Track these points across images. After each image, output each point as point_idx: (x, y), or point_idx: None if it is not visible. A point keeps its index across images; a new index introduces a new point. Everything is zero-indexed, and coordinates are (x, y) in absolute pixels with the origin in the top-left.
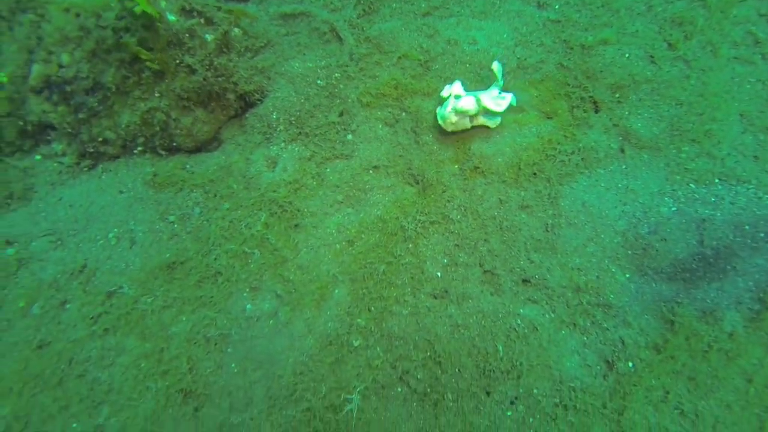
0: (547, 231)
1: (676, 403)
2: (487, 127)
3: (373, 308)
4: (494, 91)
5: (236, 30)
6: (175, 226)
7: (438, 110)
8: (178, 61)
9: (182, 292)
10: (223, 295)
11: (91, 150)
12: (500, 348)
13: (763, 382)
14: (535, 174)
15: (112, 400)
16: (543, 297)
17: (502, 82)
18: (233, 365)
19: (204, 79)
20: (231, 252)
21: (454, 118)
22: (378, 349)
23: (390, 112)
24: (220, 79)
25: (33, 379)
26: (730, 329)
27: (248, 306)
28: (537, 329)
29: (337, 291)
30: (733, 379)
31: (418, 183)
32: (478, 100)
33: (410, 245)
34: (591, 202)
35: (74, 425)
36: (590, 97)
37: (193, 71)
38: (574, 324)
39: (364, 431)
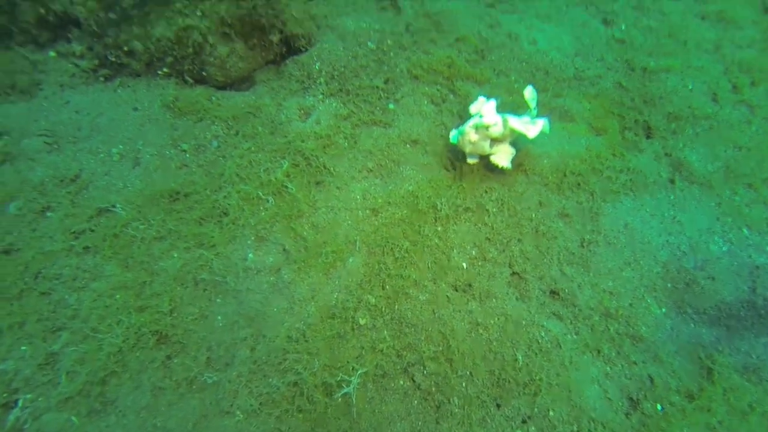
0: (583, 246)
1: None
2: (498, 167)
3: (388, 287)
4: (526, 119)
5: None
6: (187, 155)
7: (459, 128)
8: None
9: (180, 226)
10: (224, 238)
11: (113, 59)
12: (520, 357)
13: None
14: (579, 185)
15: (74, 327)
16: (569, 314)
17: (535, 111)
18: (219, 317)
19: (253, 8)
20: (243, 193)
21: (473, 136)
22: (385, 332)
23: (438, 90)
24: (270, 11)
25: None
26: None
27: (250, 255)
28: (560, 346)
29: (351, 260)
30: None
31: (455, 168)
32: (505, 120)
33: (439, 228)
34: (634, 226)
35: (23, 347)
36: (645, 121)
37: None
38: (598, 350)
39: (352, 421)
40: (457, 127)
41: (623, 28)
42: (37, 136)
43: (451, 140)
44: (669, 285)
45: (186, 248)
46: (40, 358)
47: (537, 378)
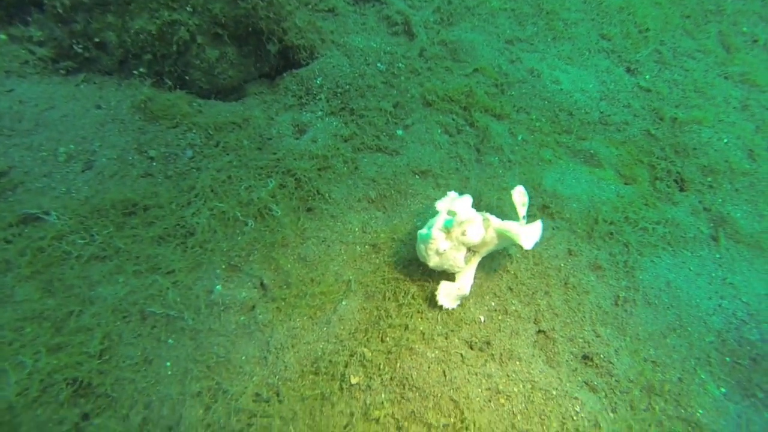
0: (617, 305)
1: None
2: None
3: (388, 339)
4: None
5: None
6: (154, 163)
7: (421, 230)
8: None
9: (132, 245)
10: (188, 263)
11: (80, 50)
12: None
13: None
14: (611, 234)
15: None
16: (604, 386)
17: (525, 220)
18: (169, 363)
19: (253, 8)
20: (217, 211)
21: (441, 244)
22: (383, 395)
23: (453, 120)
24: (271, 15)
25: None
26: None
27: (218, 287)
28: (600, 426)
29: (344, 303)
30: None
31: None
32: (486, 220)
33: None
34: (677, 285)
35: None
36: (677, 172)
37: None
38: None
39: None
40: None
41: (647, 77)
42: None
43: (418, 246)
44: (728, 359)
45: (136, 272)
46: None
47: None
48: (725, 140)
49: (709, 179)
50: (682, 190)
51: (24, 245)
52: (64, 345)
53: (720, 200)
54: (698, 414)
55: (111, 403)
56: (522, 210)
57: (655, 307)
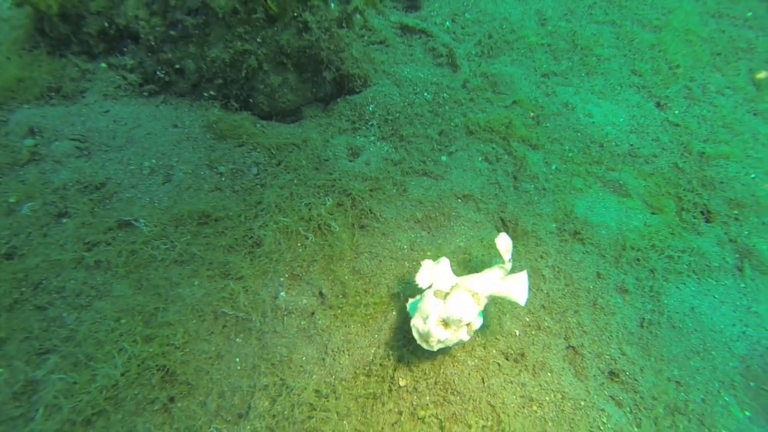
0: (642, 326)
1: None
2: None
3: None
4: (497, 271)
5: (358, 15)
6: (223, 178)
7: (414, 320)
8: (295, 14)
9: (206, 252)
10: (255, 271)
11: (162, 75)
12: None
13: None
14: (638, 260)
15: (66, 351)
16: (630, 401)
17: (510, 263)
18: (238, 359)
19: (316, 40)
20: (282, 225)
21: (441, 336)
22: (428, 397)
23: (493, 149)
24: (332, 47)
25: None
26: None
27: (282, 294)
28: None
29: (394, 313)
30: None
31: (507, 228)
32: (477, 297)
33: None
34: (702, 311)
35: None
36: (704, 204)
37: (307, 29)
38: None
39: None
40: (411, 301)
41: (676, 113)
42: (69, 140)
43: (416, 335)
44: (753, 384)
45: (210, 276)
46: (17, 385)
47: None
48: (753, 175)
49: (735, 212)
50: (707, 221)
51: (120, 248)
52: (153, 336)
53: (746, 233)
54: None
55: (191, 390)
56: (507, 255)
57: (680, 330)
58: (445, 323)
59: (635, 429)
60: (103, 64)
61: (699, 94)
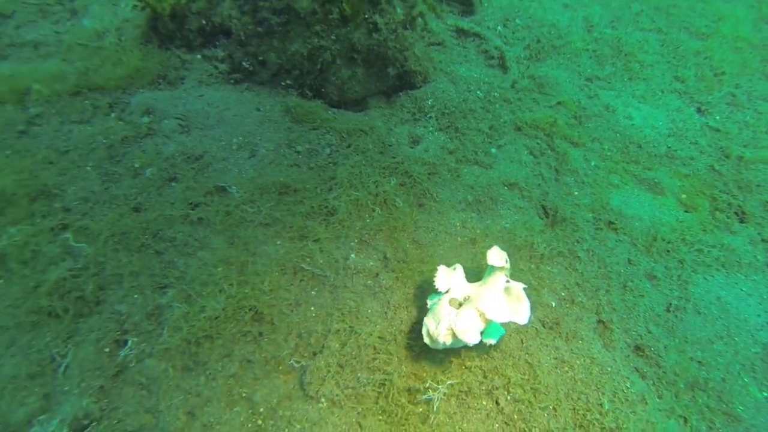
0: (669, 311)
1: None
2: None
3: None
4: (499, 276)
5: (419, 19)
6: (300, 156)
7: (428, 319)
8: (366, 16)
9: (287, 217)
10: (330, 235)
11: (247, 65)
12: (606, 403)
13: None
14: (668, 251)
15: (180, 287)
16: (653, 375)
17: (508, 263)
18: (313, 308)
19: (384, 40)
20: (353, 198)
21: (448, 341)
22: (474, 352)
23: (538, 144)
24: (398, 46)
25: (119, 235)
26: None
27: (352, 255)
28: (647, 402)
29: None
30: None
31: (548, 216)
32: (482, 315)
33: (533, 266)
34: (728, 301)
35: (135, 296)
36: (738, 206)
37: (376, 29)
38: (685, 419)
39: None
40: (429, 300)
41: (717, 118)
42: (174, 119)
43: (426, 336)
44: None
45: (290, 238)
46: (149, 307)
47: (624, 427)
48: None
49: None
50: (741, 222)
51: (217, 208)
52: (246, 282)
53: None
54: (738, 409)
55: (274, 329)
56: (502, 263)
57: (705, 316)
58: (453, 334)
59: (657, 399)
60: (199, 56)
61: (743, 101)
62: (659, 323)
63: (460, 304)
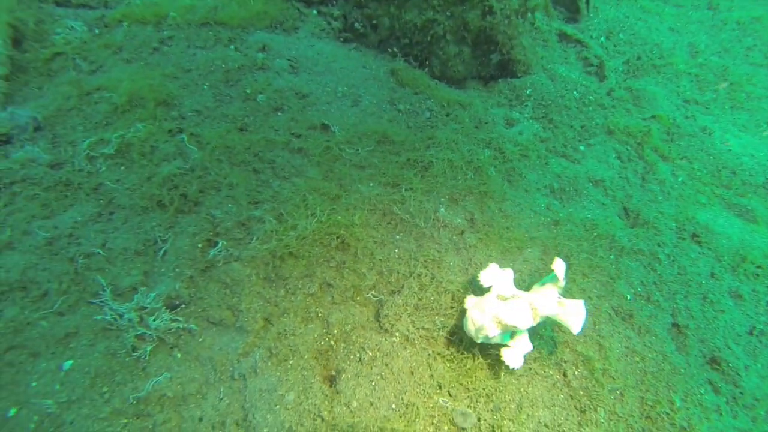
0: (752, 334)
1: None
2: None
3: None
4: (550, 289)
5: (530, 13)
6: (401, 114)
7: (472, 310)
8: None
9: (383, 164)
10: (423, 187)
11: (359, 27)
12: (677, 400)
13: None
14: (758, 275)
15: (273, 205)
16: (728, 392)
17: (564, 281)
18: (397, 250)
19: (497, 24)
20: (449, 160)
21: (491, 332)
22: (546, 330)
23: (627, 150)
24: (507, 32)
25: (224, 147)
26: None
27: (442, 209)
28: (722, 414)
29: (529, 251)
30: None
31: (629, 217)
32: (534, 311)
33: (612, 257)
34: None
35: (230, 205)
36: None
37: (491, 12)
38: None
39: (496, 388)
40: (469, 297)
41: None
42: (286, 60)
43: (468, 327)
44: None
45: (384, 183)
46: (242, 217)
47: (697, 428)
48: None
49: None
50: None
51: (318, 142)
52: (337, 211)
53: None
54: None
55: (357, 261)
56: (561, 275)
57: None
58: (498, 323)
59: (732, 419)
60: (314, 11)
61: None
62: (740, 343)
63: (508, 300)
